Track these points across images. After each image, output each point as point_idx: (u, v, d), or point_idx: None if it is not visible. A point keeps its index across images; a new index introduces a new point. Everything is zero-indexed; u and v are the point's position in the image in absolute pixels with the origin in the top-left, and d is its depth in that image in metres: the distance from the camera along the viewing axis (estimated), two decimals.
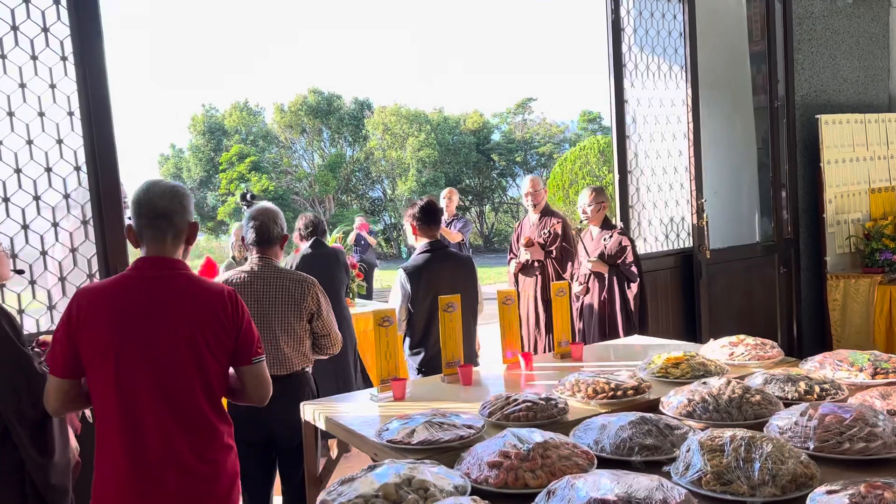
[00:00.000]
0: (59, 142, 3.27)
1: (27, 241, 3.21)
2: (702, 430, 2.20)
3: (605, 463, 2.13)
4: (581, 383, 2.77)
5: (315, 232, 4.73)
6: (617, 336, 4.76)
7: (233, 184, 26.58)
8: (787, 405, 2.44)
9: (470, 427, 2.41)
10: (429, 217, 3.72)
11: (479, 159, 29.18)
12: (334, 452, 3.10)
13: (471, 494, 1.96)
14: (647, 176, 5.38)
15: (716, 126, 5.74)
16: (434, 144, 28.10)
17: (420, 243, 3.75)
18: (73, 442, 2.61)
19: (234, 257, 6.69)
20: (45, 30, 3.22)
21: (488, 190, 29.86)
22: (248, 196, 7.11)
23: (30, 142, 3.21)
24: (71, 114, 3.28)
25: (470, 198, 29.37)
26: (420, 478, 1.97)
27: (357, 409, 2.89)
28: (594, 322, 5.05)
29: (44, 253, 3.25)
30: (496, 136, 30.77)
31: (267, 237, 3.11)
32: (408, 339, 3.70)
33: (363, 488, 1.95)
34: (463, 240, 7.63)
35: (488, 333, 4.66)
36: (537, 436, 2.15)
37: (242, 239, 6.39)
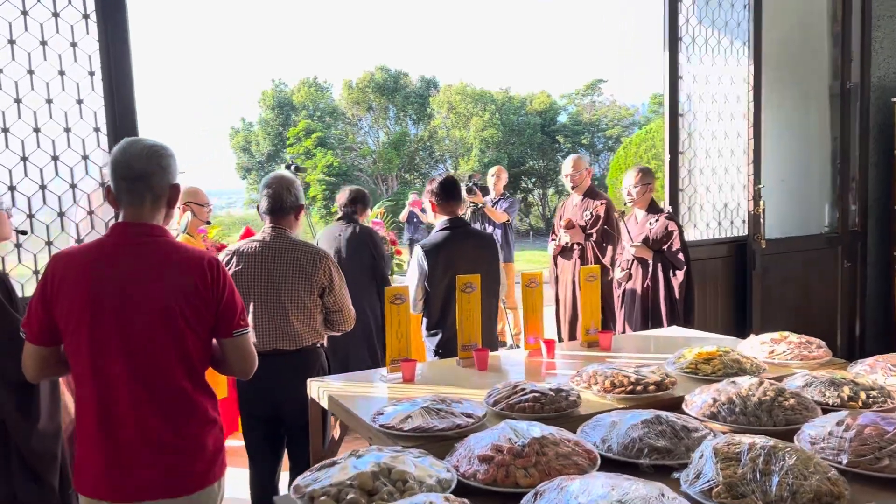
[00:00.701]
0: (79, 102, 3.21)
1: (45, 202, 3.18)
2: (726, 434, 1.98)
3: (609, 464, 1.94)
4: (599, 375, 2.56)
5: (354, 208, 4.58)
6: (660, 326, 4.50)
7: (298, 158, 26.87)
8: (826, 412, 2.18)
9: (469, 416, 2.24)
10: (448, 193, 3.54)
11: (544, 141, 28.70)
12: (337, 432, 2.98)
13: (456, 490, 1.80)
14: (701, 158, 5.06)
15: (784, 109, 5.35)
16: (498, 124, 27.79)
17: (439, 220, 3.58)
18: (72, 407, 2.55)
19: None
20: None
21: (552, 172, 29.38)
22: (293, 167, 7.07)
23: (49, 101, 3.16)
24: (91, 73, 3.22)
25: (533, 180, 28.98)
26: (400, 468, 1.82)
27: (362, 390, 2.76)
28: (636, 311, 4.80)
29: (61, 214, 3.21)
30: (563, 118, 30.24)
31: (280, 206, 2.99)
32: (425, 320, 3.54)
33: (339, 475, 1.81)
34: (509, 220, 7.40)
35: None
36: (536, 430, 1.97)
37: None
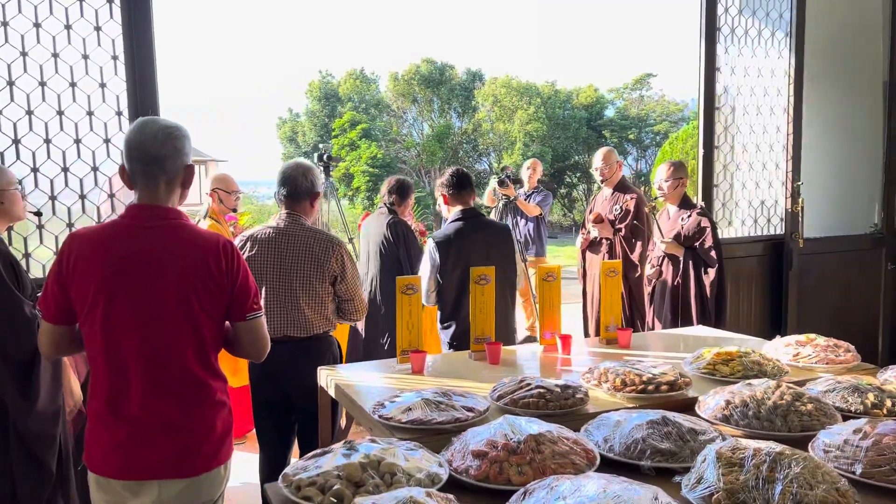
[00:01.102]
0: (102, 86, 3.24)
1: (66, 184, 3.21)
2: (739, 438, 1.89)
3: (610, 465, 1.87)
4: (610, 373, 2.48)
5: (392, 199, 4.63)
6: (689, 325, 4.37)
7: (343, 150, 27.05)
8: (847, 419, 2.07)
9: (470, 410, 2.19)
10: (460, 184, 3.48)
11: (590, 135, 28.32)
12: (345, 421, 2.95)
13: (448, 485, 1.75)
14: (738, 153, 4.89)
15: (830, 102, 5.13)
16: (543, 118, 27.52)
17: (452, 212, 3.51)
18: (76, 390, 2.57)
19: None
20: None
21: None
22: (326, 157, 7.08)
23: (73, 84, 3.19)
24: (115, 58, 3.24)
25: (578, 175, 28.67)
26: (390, 461, 1.78)
27: (369, 380, 2.72)
28: (665, 309, 4.68)
29: (83, 196, 3.24)
30: (610, 112, 29.81)
31: (294, 190, 2.97)
32: (439, 313, 3.49)
33: (327, 466, 1.78)
34: (541, 214, 7.30)
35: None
36: (534, 427, 1.90)
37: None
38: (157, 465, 1.99)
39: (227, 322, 2.11)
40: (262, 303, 2.16)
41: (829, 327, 3.79)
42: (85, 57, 3.20)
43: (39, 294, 2.66)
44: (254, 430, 3.20)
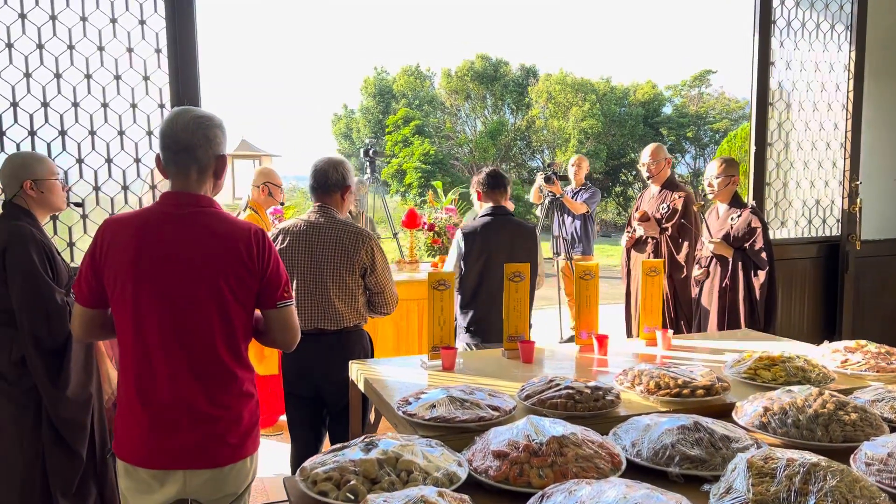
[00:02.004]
0: (146, 79, 3.29)
1: (110, 175, 3.27)
2: (777, 447, 1.80)
3: (637, 471, 1.80)
4: (644, 375, 2.39)
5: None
6: (737, 328, 4.23)
7: (397, 146, 27.22)
8: (894, 431, 1.96)
9: (496, 409, 2.14)
10: (494, 182, 3.66)
11: (647, 133, 27.82)
12: (373, 416, 2.94)
13: (467, 485, 1.71)
14: (793, 150, 4.71)
15: (893, 99, 4.90)
16: (598, 115, 27.14)
17: (483, 208, 3.65)
18: (114, 377, 2.61)
19: (350, 212, 6.69)
20: None
21: None
22: (371, 151, 7.10)
23: (118, 77, 3.25)
24: (158, 51, 3.29)
25: (634, 172, 28.23)
26: (408, 458, 1.75)
27: (400, 375, 2.70)
28: (713, 311, 4.53)
29: (125, 187, 3.30)
30: (667, 109, 29.24)
31: (325, 182, 2.97)
32: (459, 297, 3.59)
33: (345, 461, 1.76)
34: (589, 211, 7.17)
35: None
36: (559, 428, 1.84)
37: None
38: (181, 454, 1.98)
39: (257, 312, 2.12)
40: (293, 293, 2.15)
41: (887, 335, 3.62)
42: (129, 50, 3.25)
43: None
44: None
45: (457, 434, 2.04)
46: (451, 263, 3.57)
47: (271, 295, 2.07)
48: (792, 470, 1.54)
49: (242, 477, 2.09)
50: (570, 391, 2.22)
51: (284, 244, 2.93)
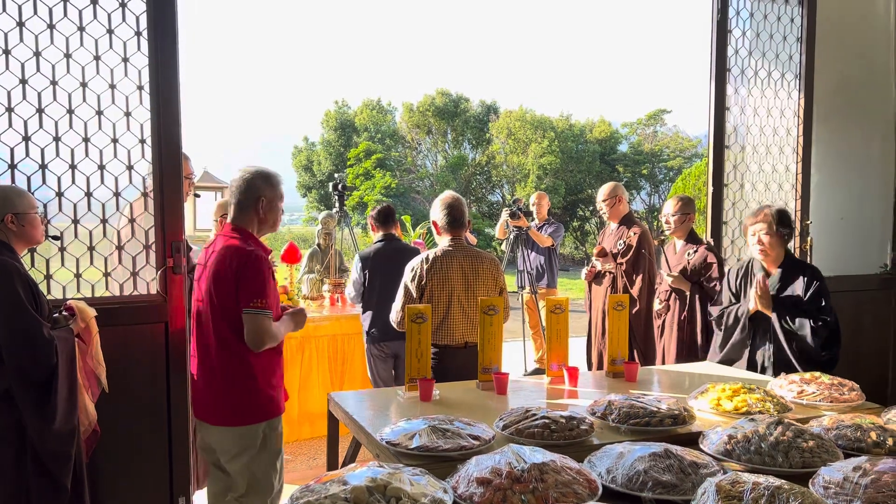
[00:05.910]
0: (128, 114, 3.34)
1: (89, 209, 3.30)
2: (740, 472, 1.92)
3: (612, 496, 1.90)
4: (614, 405, 2.51)
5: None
6: (696, 360, 4.39)
7: (358, 179, 27.31)
8: (849, 457, 2.10)
9: (476, 438, 2.23)
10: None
11: (603, 169, 28.42)
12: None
13: None
14: (747, 191, 4.94)
15: (842, 142, 5.19)
16: (557, 151, 27.65)
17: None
18: (91, 409, 2.63)
19: (319, 245, 6.75)
20: (123, 5, 3.31)
21: None
22: (340, 186, 7.20)
23: (100, 112, 3.29)
24: (140, 88, 3.35)
25: (591, 208, 28.77)
26: (396, 485, 1.82)
27: (377, 405, 2.77)
28: (673, 343, 4.70)
29: (104, 221, 3.33)
30: (623, 147, 29.92)
31: (462, 220, 3.68)
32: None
33: (334, 489, 1.82)
34: (553, 245, 7.36)
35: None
36: (539, 456, 1.94)
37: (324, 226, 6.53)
38: (204, 410, 2.88)
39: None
40: (265, 306, 2.70)
41: (839, 369, 3.79)
42: (112, 87, 3.31)
43: (55, 314, 2.74)
44: None
45: (439, 463, 2.12)
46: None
47: (241, 301, 2.77)
48: (758, 493, 1.67)
49: (251, 436, 2.86)
50: (547, 421, 2.32)
51: (434, 269, 3.55)
